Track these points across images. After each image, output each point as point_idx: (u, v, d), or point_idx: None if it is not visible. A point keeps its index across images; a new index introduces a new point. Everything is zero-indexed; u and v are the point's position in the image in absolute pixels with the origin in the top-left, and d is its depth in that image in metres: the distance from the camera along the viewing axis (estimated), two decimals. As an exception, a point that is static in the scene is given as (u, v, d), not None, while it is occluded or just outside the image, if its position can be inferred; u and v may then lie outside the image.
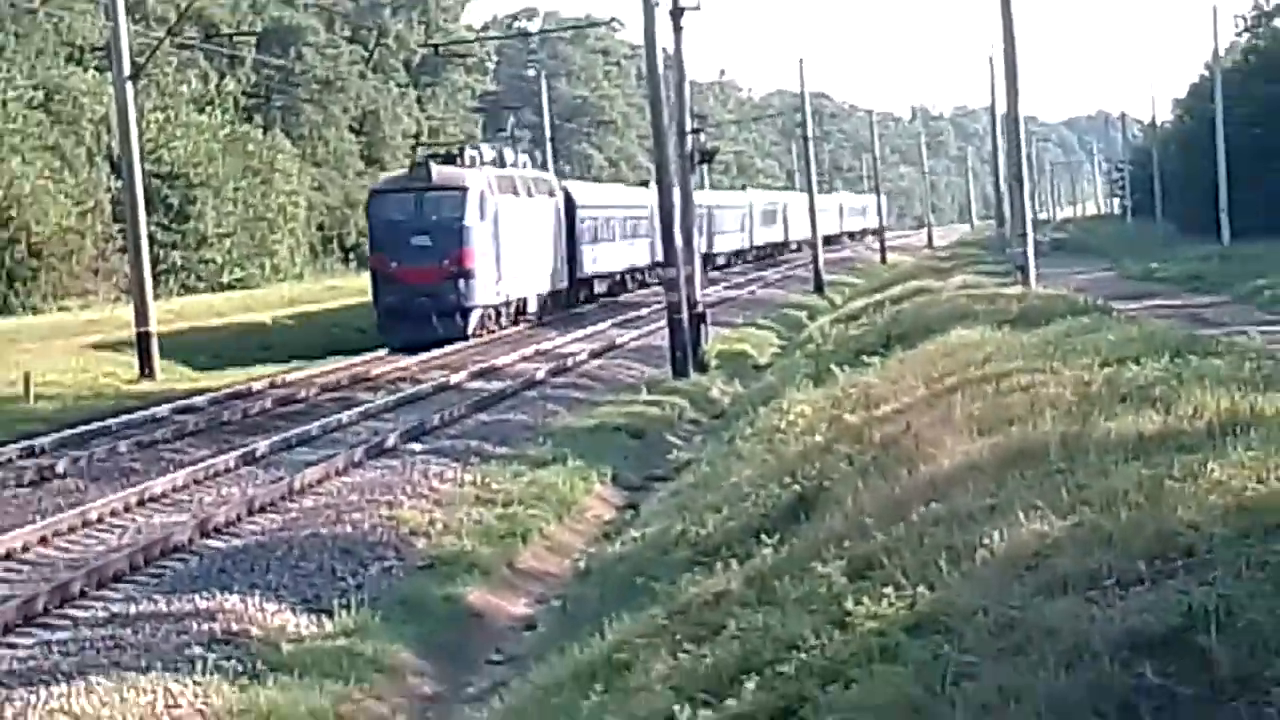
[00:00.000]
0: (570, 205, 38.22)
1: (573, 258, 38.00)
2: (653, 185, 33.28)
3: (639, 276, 46.06)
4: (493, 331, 30.74)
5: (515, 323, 32.98)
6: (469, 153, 32.75)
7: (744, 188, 72.23)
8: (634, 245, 45.19)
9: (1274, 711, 4.24)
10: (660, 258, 34.03)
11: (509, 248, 31.25)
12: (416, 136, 60.12)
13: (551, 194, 37.35)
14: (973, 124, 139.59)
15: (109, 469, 16.51)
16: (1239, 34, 54.30)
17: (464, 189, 29.40)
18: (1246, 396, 8.84)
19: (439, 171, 29.95)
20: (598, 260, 40.90)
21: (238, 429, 19.85)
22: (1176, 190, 56.51)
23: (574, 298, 38.70)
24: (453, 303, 28.61)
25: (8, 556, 11.67)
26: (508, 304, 32.14)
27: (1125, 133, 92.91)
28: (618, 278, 44.14)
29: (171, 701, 8.34)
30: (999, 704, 4.54)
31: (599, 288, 42.11)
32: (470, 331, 29.11)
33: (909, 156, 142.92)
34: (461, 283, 28.67)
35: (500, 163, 34.33)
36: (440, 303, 28.41)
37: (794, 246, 69.64)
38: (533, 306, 34.32)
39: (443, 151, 34.35)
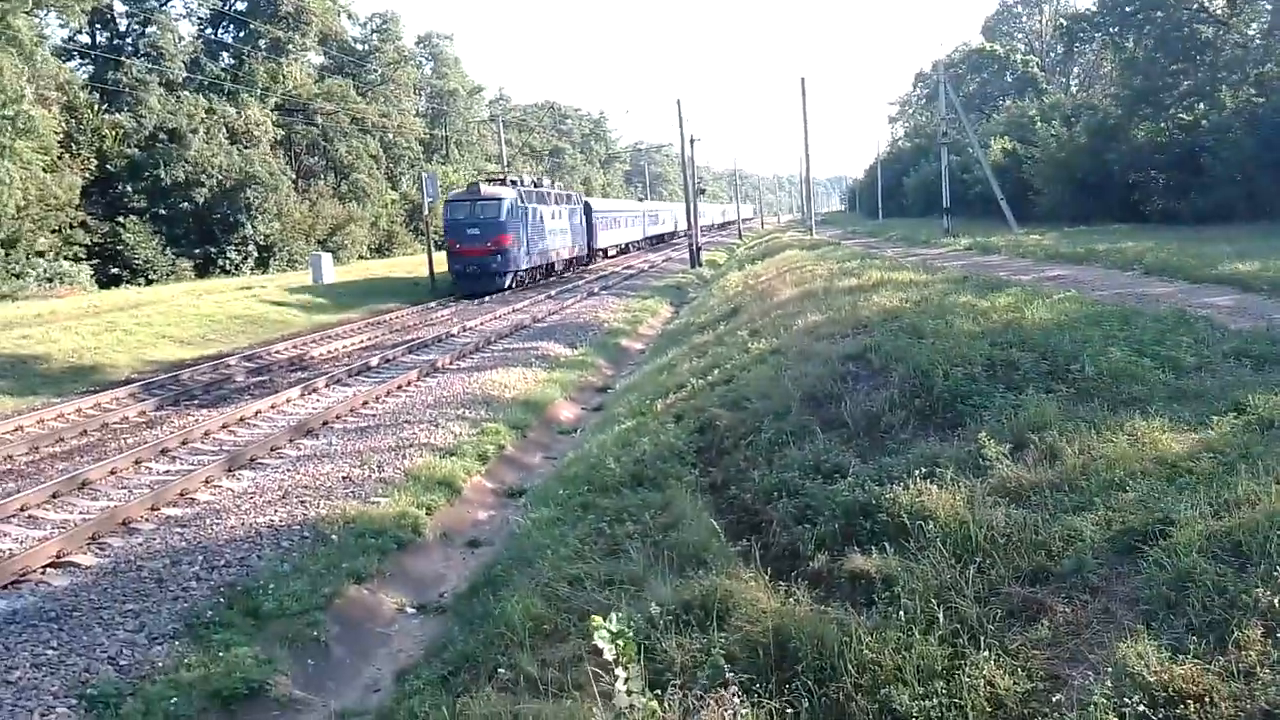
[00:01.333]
0: (588, 209, 57.07)
1: (590, 238, 56.41)
2: (643, 199, 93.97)
3: (633, 246, 72.87)
4: (526, 285, 43.71)
5: (547, 276, 47.82)
6: (510, 177, 45.81)
7: (641, 200, 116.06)
8: (630, 229, 71.09)
9: (895, 379, 10.53)
10: (644, 236, 73.67)
11: (534, 234, 44.03)
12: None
13: (570, 201, 54.25)
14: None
15: (499, 302, 36.04)
16: (888, 144, 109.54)
17: (499, 199, 40.68)
18: (886, 273, 22.78)
19: (484, 189, 42.06)
20: (606, 239, 61.70)
21: (541, 288, 41.64)
22: (866, 201, 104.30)
23: (591, 259, 57.68)
24: (493, 269, 40.16)
25: (466, 330, 29.20)
26: (537, 267, 45.69)
27: (847, 181, 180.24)
28: (623, 246, 68.44)
29: (524, 377, 20.54)
30: (798, 376, 11.53)
31: (611, 253, 64.68)
32: (507, 286, 40.84)
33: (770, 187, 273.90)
34: (499, 257, 40.11)
35: (537, 184, 48.91)
36: (485, 268, 40.10)
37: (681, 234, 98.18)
38: (559, 267, 50.24)
39: (497, 176, 47.63)
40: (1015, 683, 5.22)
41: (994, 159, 50.26)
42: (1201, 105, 40.33)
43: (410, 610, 9.83)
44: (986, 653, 5.44)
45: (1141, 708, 4.54)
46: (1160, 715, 4.55)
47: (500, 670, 6.97)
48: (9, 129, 36.03)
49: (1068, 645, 5.50)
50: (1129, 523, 6.38)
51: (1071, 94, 72.28)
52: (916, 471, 8.05)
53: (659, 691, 5.37)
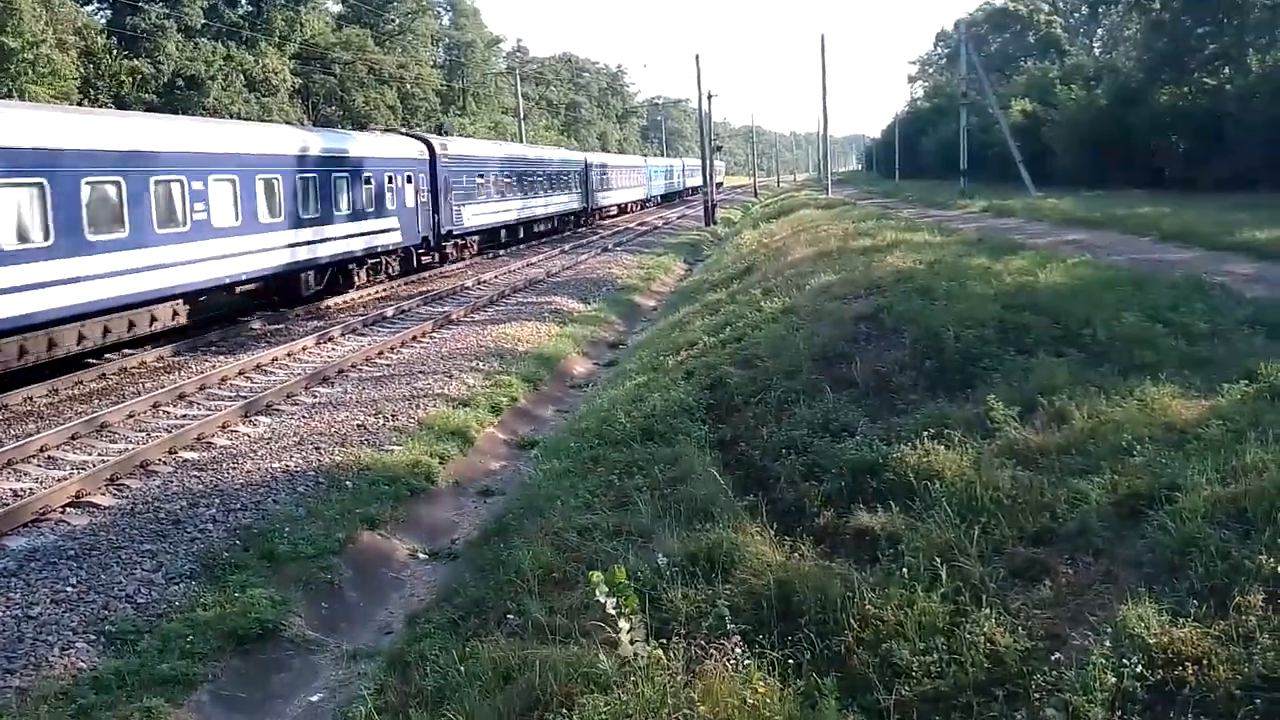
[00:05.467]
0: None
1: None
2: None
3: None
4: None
5: None
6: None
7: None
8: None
9: (906, 340, 11.12)
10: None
11: None
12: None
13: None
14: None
15: (513, 256, 36.00)
16: (906, 104, 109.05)
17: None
18: (901, 234, 23.68)
19: None
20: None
21: (556, 242, 40.99)
22: (883, 161, 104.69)
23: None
24: None
25: (482, 283, 29.18)
26: None
27: (865, 141, 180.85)
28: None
29: (537, 331, 21.20)
30: (810, 336, 12.52)
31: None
32: None
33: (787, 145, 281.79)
34: None
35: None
36: None
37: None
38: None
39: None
40: (1015, 641, 5.30)
41: (1013, 121, 49.75)
42: (1227, 70, 39.78)
43: (422, 556, 9.97)
44: (988, 610, 5.53)
45: (1140, 668, 4.61)
46: (1158, 676, 4.63)
47: (510, 616, 7.10)
48: (29, 72, 35.91)
49: (1069, 606, 5.58)
50: (1135, 487, 6.45)
51: (1095, 56, 71.36)
52: (925, 432, 8.14)
53: (664, 640, 5.46)
